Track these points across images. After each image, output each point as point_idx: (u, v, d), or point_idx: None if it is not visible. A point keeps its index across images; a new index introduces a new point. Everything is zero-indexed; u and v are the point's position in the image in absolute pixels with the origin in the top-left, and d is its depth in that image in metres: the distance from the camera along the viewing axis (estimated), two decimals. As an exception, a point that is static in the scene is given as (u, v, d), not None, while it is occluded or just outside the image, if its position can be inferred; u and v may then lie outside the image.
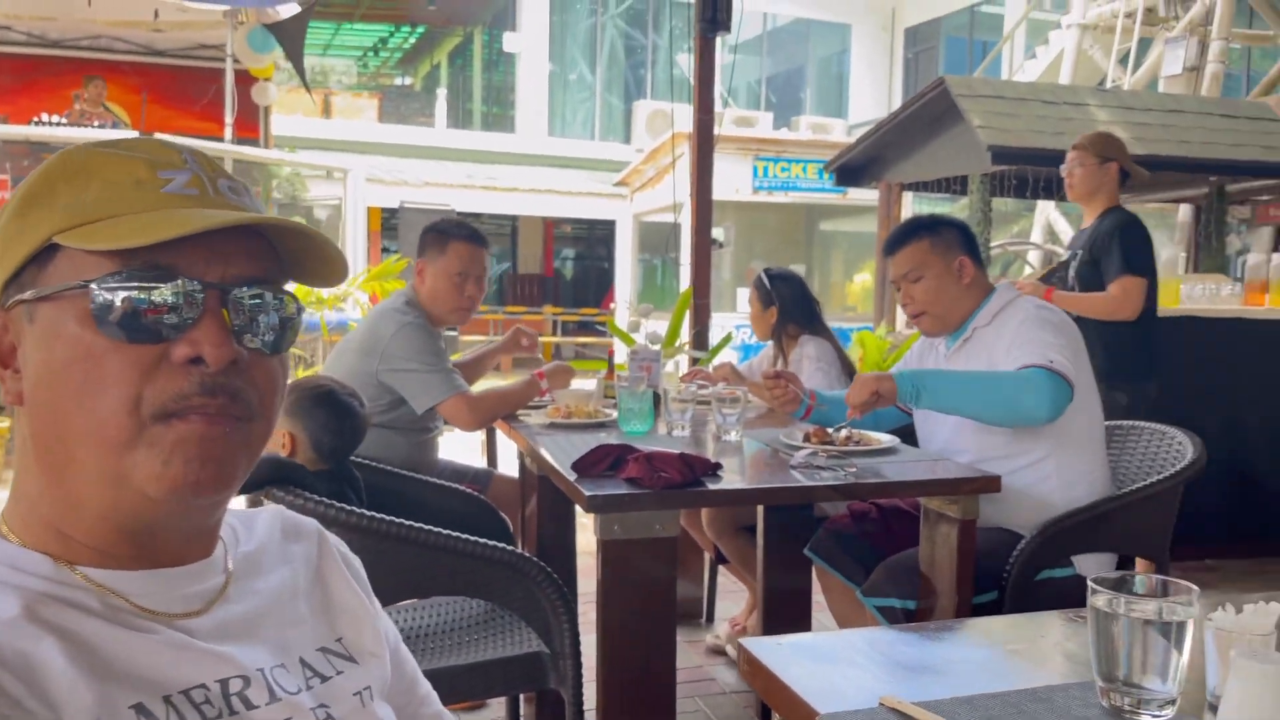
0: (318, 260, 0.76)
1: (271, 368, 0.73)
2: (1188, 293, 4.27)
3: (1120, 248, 3.37)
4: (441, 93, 19.18)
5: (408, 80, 22.13)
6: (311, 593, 0.81)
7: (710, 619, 3.33)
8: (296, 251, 0.75)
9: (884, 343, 6.11)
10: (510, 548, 1.79)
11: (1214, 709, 0.94)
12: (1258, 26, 11.80)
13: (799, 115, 14.33)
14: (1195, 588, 0.95)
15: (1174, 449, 2.38)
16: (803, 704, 0.95)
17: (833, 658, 1.10)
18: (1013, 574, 2.06)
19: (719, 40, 4.71)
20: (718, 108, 5.08)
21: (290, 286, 0.76)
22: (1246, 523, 4.16)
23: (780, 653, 1.09)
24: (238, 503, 1.76)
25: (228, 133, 8.70)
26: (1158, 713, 0.93)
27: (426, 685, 0.92)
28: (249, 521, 0.83)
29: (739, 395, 2.40)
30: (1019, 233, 12.08)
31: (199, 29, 8.81)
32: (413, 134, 17.49)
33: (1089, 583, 0.96)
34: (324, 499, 1.69)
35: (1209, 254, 6.11)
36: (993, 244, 8.65)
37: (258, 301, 0.71)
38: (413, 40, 20.43)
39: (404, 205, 12.40)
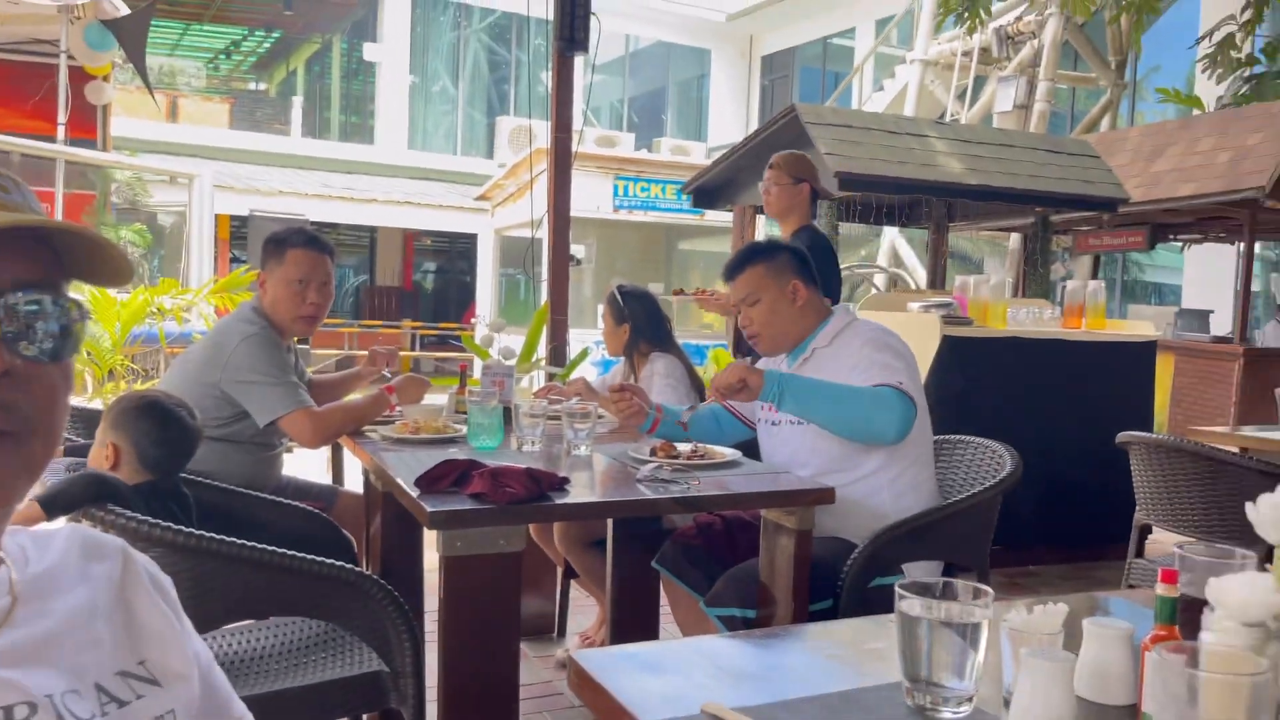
0: (100, 260, 0.72)
1: (50, 378, 0.69)
2: (1013, 315, 4.54)
3: None
4: (298, 100, 18.62)
5: (262, 86, 21.38)
6: (113, 614, 0.78)
7: (562, 633, 3.33)
8: (77, 251, 0.71)
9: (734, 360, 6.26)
10: (348, 565, 1.75)
11: (1009, 704, 1.01)
12: (1081, 69, 12.73)
13: (660, 136, 14.58)
14: (990, 591, 1.02)
15: (994, 461, 2.53)
16: (626, 712, 0.97)
17: (661, 667, 1.13)
18: (847, 582, 2.14)
19: (582, 59, 4.76)
20: (579, 126, 5.12)
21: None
22: (1064, 530, 4.45)
23: (609, 663, 1.11)
24: (59, 522, 1.67)
25: (60, 132, 8.21)
26: (957, 709, 0.99)
27: (241, 708, 0.90)
28: (44, 542, 0.79)
29: (590, 411, 2.42)
30: (866, 256, 12.62)
31: (32, 22, 8.28)
32: (266, 141, 16.90)
33: (896, 588, 1.02)
34: (145, 517, 1.61)
35: (1034, 279, 6.52)
36: (840, 267, 8.94)
37: (34, 308, 0.67)
38: (267, 45, 19.76)
39: (254, 214, 11.95)
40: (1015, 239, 9.95)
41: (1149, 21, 10.76)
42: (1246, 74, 10.30)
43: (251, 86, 21.34)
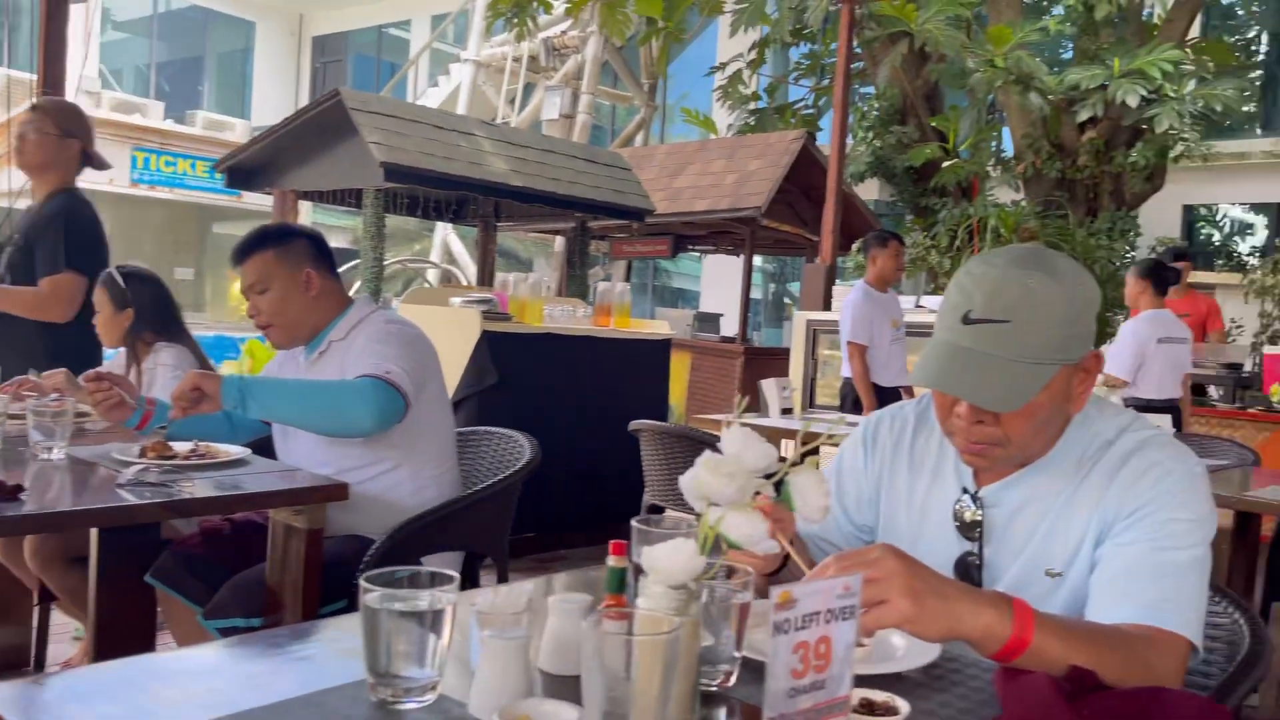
0: None
1: None
2: (549, 312, 4.77)
3: (62, 237, 2.99)
4: None
5: None
6: None
7: (40, 666, 2.89)
8: None
9: (274, 353, 5.91)
10: None
11: (477, 686, 1.01)
12: (621, 88, 13.81)
13: (197, 109, 13.32)
14: (457, 575, 1.02)
15: (516, 450, 2.61)
16: (28, 754, 0.83)
17: (94, 693, 0.98)
18: (362, 580, 2.08)
19: (100, 13, 4.16)
20: (93, 87, 4.49)
21: None
22: (591, 513, 4.76)
23: (27, 696, 0.94)
24: None
25: None
26: (421, 698, 0.97)
27: None
28: None
29: (67, 408, 2.11)
30: (420, 251, 12.60)
31: None
32: None
33: (360, 581, 0.99)
34: None
35: (573, 280, 6.94)
36: (391, 260, 8.86)
37: None
38: None
39: None
40: (560, 242, 10.53)
41: (675, 51, 11.95)
42: (752, 107, 11.86)
43: None
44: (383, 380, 2.10)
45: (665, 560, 0.93)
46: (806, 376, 6.41)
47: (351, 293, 2.51)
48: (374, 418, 2.08)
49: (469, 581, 2.52)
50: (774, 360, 8.05)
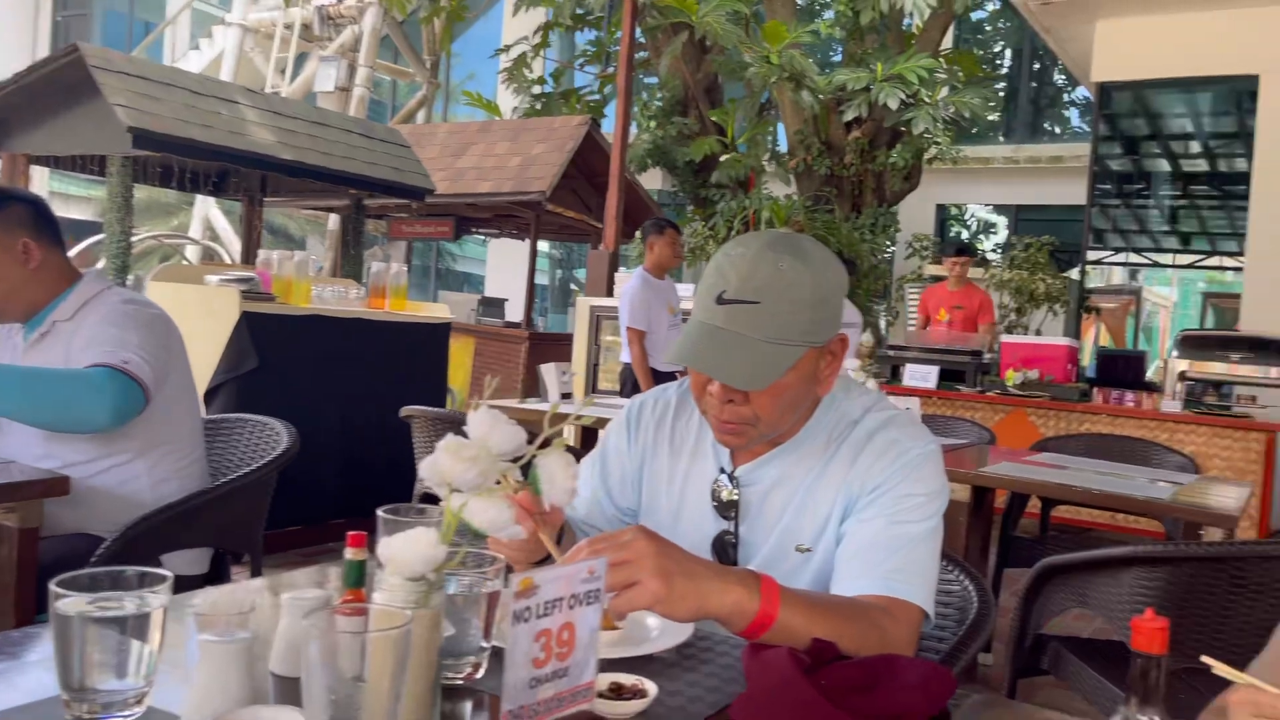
0: None
1: None
2: (318, 293, 4.53)
3: None
4: None
5: None
6: None
7: None
8: None
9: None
10: None
11: (197, 695, 0.92)
12: (402, 63, 13.36)
13: (-89, 59, 11.76)
14: (170, 575, 0.92)
15: (272, 439, 2.45)
16: None
17: None
18: (52, 584, 1.89)
19: None
20: None
21: None
22: (363, 503, 4.56)
23: None
24: None
25: None
26: (124, 713, 0.87)
27: None
28: None
29: None
30: (179, 226, 11.71)
31: None
32: None
33: (51, 586, 0.87)
34: None
35: (349, 261, 6.64)
36: (144, 234, 8.19)
37: None
38: None
39: None
40: (335, 220, 10.07)
41: (459, 30, 11.68)
42: (537, 91, 11.78)
43: None
44: (120, 371, 1.90)
45: (402, 551, 0.87)
46: (590, 362, 6.45)
47: (97, 269, 2.27)
48: (109, 413, 1.89)
49: (219, 579, 2.35)
50: (558, 346, 8.05)
